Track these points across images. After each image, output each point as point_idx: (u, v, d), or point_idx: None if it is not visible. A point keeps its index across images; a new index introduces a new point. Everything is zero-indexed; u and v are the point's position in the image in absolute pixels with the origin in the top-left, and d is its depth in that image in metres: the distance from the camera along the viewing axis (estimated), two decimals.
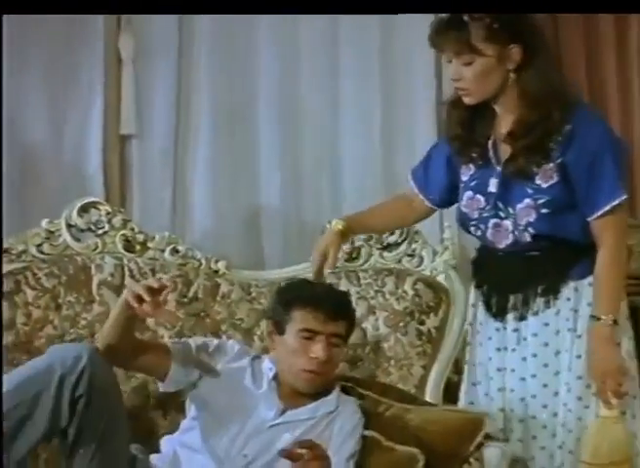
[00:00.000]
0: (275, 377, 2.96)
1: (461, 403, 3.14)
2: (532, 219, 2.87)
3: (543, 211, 2.85)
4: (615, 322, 2.82)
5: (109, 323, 2.84)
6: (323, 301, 2.91)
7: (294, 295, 2.96)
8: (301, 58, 4.08)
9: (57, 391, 2.61)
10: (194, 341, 3.02)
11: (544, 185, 2.85)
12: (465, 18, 2.79)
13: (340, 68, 4.10)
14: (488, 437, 2.88)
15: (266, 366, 2.99)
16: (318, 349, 2.87)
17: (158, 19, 3.94)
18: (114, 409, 2.74)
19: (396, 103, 4.13)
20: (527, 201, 2.87)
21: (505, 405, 3.01)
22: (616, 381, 2.80)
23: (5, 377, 2.69)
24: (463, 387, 3.14)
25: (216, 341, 3.05)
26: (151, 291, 2.70)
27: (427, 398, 3.35)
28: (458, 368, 3.33)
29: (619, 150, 2.87)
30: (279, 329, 2.95)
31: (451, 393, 3.30)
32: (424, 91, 4.08)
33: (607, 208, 2.82)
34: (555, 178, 2.84)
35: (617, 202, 2.82)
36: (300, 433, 2.86)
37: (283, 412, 2.91)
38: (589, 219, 2.85)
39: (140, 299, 2.70)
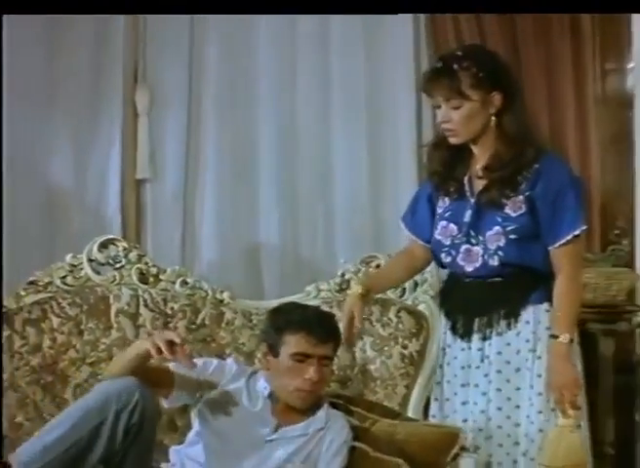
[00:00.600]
0: (270, 395, 3.01)
1: (436, 419, 3.23)
2: (501, 244, 3.04)
3: (512, 236, 3.03)
4: (571, 340, 2.99)
5: (125, 359, 2.90)
6: (314, 326, 2.95)
7: (285, 320, 2.98)
8: (298, 111, 4.25)
9: (113, 422, 2.75)
10: (214, 365, 3.06)
11: (513, 215, 3.03)
12: (455, 66, 3.00)
13: (331, 119, 4.25)
14: (463, 448, 3.00)
15: (261, 385, 3.03)
16: (311, 371, 2.92)
17: (170, 76, 4.19)
18: (154, 434, 2.91)
19: (382, 147, 4.26)
20: (496, 228, 3.04)
21: (468, 416, 3.14)
22: (572, 393, 2.96)
23: (58, 417, 2.83)
24: (434, 404, 3.26)
25: (215, 362, 3.08)
26: (171, 344, 2.79)
27: (410, 414, 3.48)
28: None
29: (579, 187, 3.08)
30: (273, 351, 2.98)
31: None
32: (407, 135, 4.21)
33: (569, 237, 3.00)
34: (523, 209, 3.03)
35: (578, 231, 3.01)
36: (293, 449, 2.95)
37: (277, 429, 2.97)
38: (551, 248, 3.03)
39: (159, 349, 2.78)
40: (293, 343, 2.95)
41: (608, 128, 4.44)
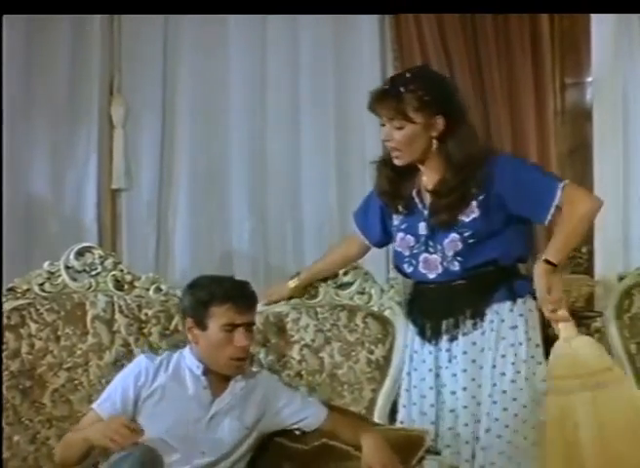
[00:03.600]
0: (204, 372, 3.09)
1: (404, 424, 3.29)
2: (459, 250, 3.12)
3: (470, 241, 3.12)
4: (552, 264, 3.05)
5: (74, 450, 2.97)
6: (238, 296, 3.06)
7: (209, 294, 3.06)
8: (268, 124, 4.34)
9: None
10: (118, 398, 3.07)
11: (467, 220, 3.12)
12: (402, 89, 3.08)
13: (300, 133, 4.36)
14: (427, 451, 3.06)
15: (191, 364, 3.11)
16: (242, 338, 3.03)
17: (145, 89, 4.28)
18: None
19: (349, 161, 4.37)
20: (452, 235, 3.13)
21: (438, 419, 3.21)
22: (549, 307, 3.10)
23: None
24: (402, 411, 3.33)
25: (132, 380, 3.08)
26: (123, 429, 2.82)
27: (376, 417, 3.51)
28: None
29: (530, 163, 3.23)
30: (201, 325, 3.06)
31: (396, 412, 3.44)
32: (373, 150, 4.10)
33: (555, 202, 3.07)
34: (476, 213, 3.11)
35: (558, 195, 3.06)
36: (237, 413, 3.08)
37: (212, 403, 3.06)
38: (547, 222, 3.11)
39: (117, 441, 2.79)
40: (220, 315, 3.04)
41: (568, 140, 4.56)
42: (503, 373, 3.14)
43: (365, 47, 4.39)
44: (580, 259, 4.38)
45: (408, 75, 3.17)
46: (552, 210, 3.07)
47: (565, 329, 3.14)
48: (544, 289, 3.09)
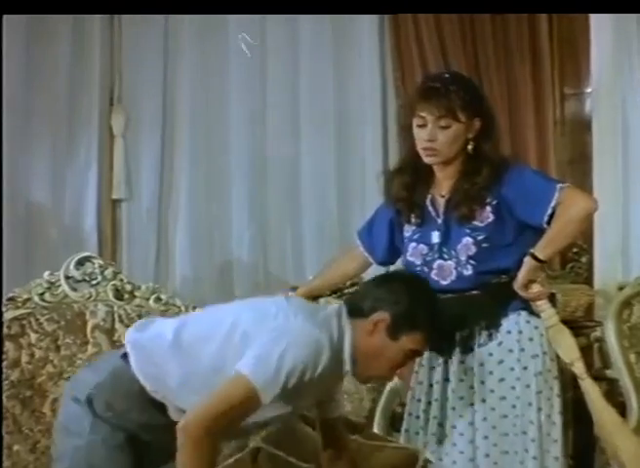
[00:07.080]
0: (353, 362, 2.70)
1: (408, 431, 3.20)
2: (472, 253, 3.07)
3: (484, 245, 3.06)
4: (538, 260, 3.01)
5: None
6: (434, 331, 2.79)
7: (424, 318, 2.74)
8: (268, 131, 4.39)
9: None
10: (285, 376, 2.55)
11: (481, 224, 3.07)
12: (451, 87, 3.04)
13: (301, 144, 4.42)
14: (427, 460, 3.00)
15: (347, 352, 2.70)
16: (404, 368, 2.82)
17: (145, 99, 4.33)
18: None
19: (349, 167, 4.41)
20: (466, 239, 3.07)
21: (437, 431, 3.11)
22: (535, 286, 3.04)
23: None
24: (406, 418, 3.22)
25: (310, 367, 2.58)
26: None
27: (375, 426, 3.54)
28: (401, 401, 3.42)
29: (535, 170, 3.22)
30: (394, 334, 2.70)
31: (396, 422, 3.44)
32: (373, 158, 4.35)
33: (552, 204, 2.99)
34: (491, 218, 3.07)
35: (555, 196, 3.02)
36: None
37: None
38: (545, 225, 3.03)
39: None
40: (417, 341, 2.73)
41: (567, 150, 4.61)
42: (528, 386, 3.09)
43: (365, 47, 4.44)
44: (580, 269, 4.42)
45: (447, 75, 3.17)
46: (549, 211, 3.03)
47: (545, 313, 3.12)
48: (523, 281, 3.07)
